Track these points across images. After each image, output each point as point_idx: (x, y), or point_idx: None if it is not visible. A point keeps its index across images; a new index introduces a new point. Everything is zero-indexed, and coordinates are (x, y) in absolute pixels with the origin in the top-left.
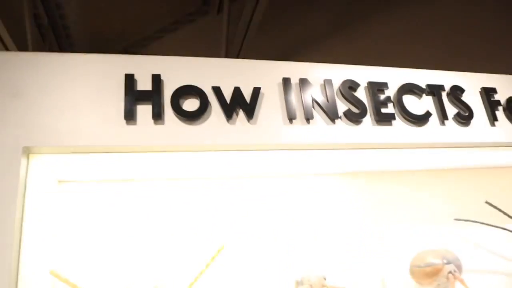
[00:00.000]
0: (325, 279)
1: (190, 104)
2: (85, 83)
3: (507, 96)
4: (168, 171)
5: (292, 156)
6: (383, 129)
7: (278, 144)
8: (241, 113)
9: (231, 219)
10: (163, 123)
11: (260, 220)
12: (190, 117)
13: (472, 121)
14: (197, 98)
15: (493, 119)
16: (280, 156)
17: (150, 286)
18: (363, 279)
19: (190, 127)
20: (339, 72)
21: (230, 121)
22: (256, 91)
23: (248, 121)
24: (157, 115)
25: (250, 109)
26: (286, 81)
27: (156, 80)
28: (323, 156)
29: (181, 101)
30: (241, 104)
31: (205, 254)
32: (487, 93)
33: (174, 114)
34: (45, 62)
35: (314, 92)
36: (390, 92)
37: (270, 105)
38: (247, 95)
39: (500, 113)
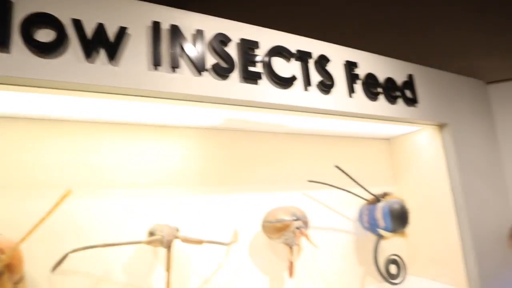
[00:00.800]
0: (178, 230)
1: (44, 35)
2: None
3: (366, 72)
4: (12, 108)
5: (155, 106)
6: (249, 87)
7: (139, 90)
8: (102, 52)
9: (81, 166)
10: (9, 52)
11: (115, 168)
12: (43, 50)
13: (333, 90)
14: (53, 29)
15: (351, 91)
16: (142, 105)
17: None
18: (216, 231)
19: (42, 60)
20: (212, 25)
21: (89, 59)
22: (122, 31)
23: (110, 61)
24: (2, 43)
25: (112, 49)
26: (155, 25)
27: (3, 2)
28: (187, 108)
29: (33, 30)
30: (103, 43)
31: (50, 201)
32: (350, 66)
33: (24, 44)
34: None
35: (184, 41)
36: (261, 51)
37: (136, 48)
38: (112, 34)
39: (358, 86)
